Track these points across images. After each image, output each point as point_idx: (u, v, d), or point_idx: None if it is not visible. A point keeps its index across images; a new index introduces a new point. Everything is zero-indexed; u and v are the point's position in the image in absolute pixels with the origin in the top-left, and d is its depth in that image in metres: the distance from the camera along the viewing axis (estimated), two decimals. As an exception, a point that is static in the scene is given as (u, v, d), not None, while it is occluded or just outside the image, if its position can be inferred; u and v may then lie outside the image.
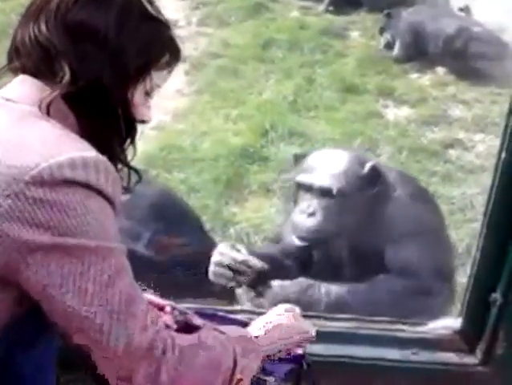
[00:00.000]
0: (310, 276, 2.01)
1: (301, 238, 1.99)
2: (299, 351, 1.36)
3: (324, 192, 1.97)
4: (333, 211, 1.97)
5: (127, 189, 1.12)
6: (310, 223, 1.96)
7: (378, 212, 1.99)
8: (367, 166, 1.98)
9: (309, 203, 1.98)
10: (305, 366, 1.36)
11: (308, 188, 2.00)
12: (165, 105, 4.26)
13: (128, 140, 1.12)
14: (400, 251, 1.96)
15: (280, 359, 1.33)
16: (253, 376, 1.14)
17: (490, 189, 1.41)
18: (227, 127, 3.75)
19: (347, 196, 1.97)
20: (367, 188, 1.99)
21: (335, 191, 1.96)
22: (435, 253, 2.00)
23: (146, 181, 2.45)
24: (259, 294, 1.98)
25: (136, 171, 1.15)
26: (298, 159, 2.11)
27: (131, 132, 1.11)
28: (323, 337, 1.48)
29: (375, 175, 1.99)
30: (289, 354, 1.27)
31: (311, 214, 1.97)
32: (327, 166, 2.01)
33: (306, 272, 2.04)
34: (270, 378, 1.31)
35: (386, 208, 1.99)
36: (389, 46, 4.85)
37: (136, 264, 2.00)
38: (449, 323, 1.52)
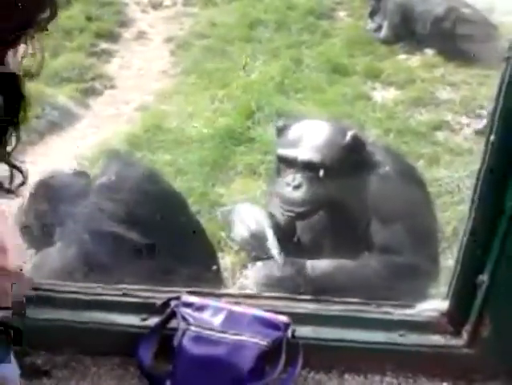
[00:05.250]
0: (293, 249, 2.03)
1: (288, 210, 1.99)
2: (284, 320, 1.37)
3: (308, 165, 1.99)
4: (318, 183, 1.99)
5: (9, 191, 0.96)
6: (296, 195, 1.98)
7: (363, 184, 2.00)
8: (349, 135, 1.99)
9: (294, 176, 2.00)
10: (289, 335, 1.37)
11: (292, 162, 2.01)
12: (150, 86, 4.21)
13: (10, 128, 0.90)
14: (387, 228, 1.97)
15: (265, 325, 1.35)
16: None
17: (478, 172, 1.40)
18: (213, 109, 3.72)
19: (331, 167, 1.99)
20: (350, 157, 2.00)
21: (318, 163, 1.96)
22: (421, 232, 2.02)
23: (131, 163, 2.45)
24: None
25: (19, 169, 0.96)
26: (281, 131, 2.11)
27: (13, 116, 0.90)
28: (311, 320, 1.49)
29: (357, 143, 2.00)
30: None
31: (297, 187, 1.99)
32: (309, 138, 2.02)
33: (288, 245, 2.06)
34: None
35: (371, 181, 2.01)
36: (379, 29, 4.81)
37: (122, 248, 2.01)
38: (435, 305, 1.52)
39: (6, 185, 0.95)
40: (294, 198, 1.99)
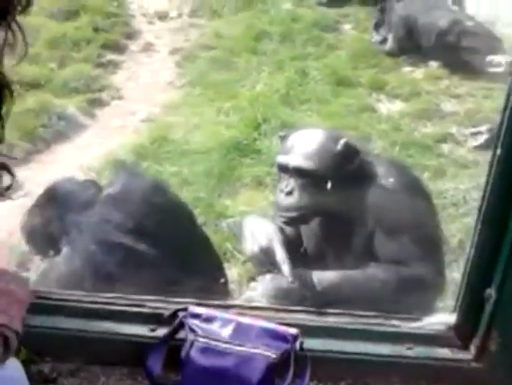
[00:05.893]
0: (300, 260, 2.04)
1: (280, 216, 2.03)
2: (293, 332, 1.38)
3: (299, 171, 2.02)
4: (310, 189, 2.01)
5: None
6: (288, 201, 2.01)
7: (364, 194, 2.01)
8: (341, 143, 2.01)
9: (287, 182, 2.02)
10: (298, 347, 1.38)
11: (285, 168, 2.05)
12: (157, 97, 4.24)
13: None
14: (392, 240, 1.98)
15: (274, 337, 1.36)
16: None
17: (485, 185, 1.41)
18: (219, 120, 3.73)
19: (323, 173, 2.01)
20: (343, 165, 2.01)
21: (308, 169, 1.99)
22: (427, 244, 2.02)
23: (138, 174, 2.46)
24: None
25: (7, 169, 0.90)
26: (283, 140, 2.17)
27: None
28: (318, 332, 1.49)
29: (350, 151, 2.02)
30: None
31: (289, 193, 2.02)
32: (303, 145, 2.05)
33: (295, 256, 2.07)
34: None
35: (375, 192, 2.02)
36: (384, 42, 4.84)
37: (128, 258, 2.01)
38: (443, 319, 1.52)
39: None
40: (287, 204, 2.02)
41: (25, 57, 0.91)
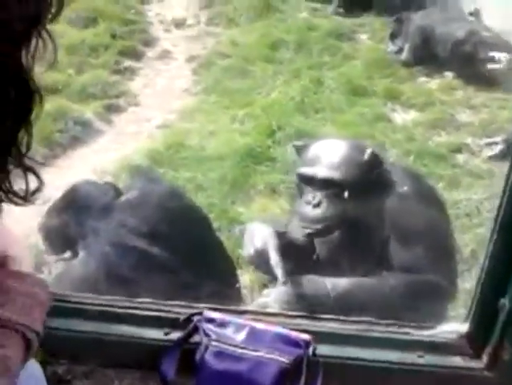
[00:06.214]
0: (313, 268, 2.05)
1: (307, 228, 2.03)
2: (306, 338, 1.39)
3: (327, 183, 2.01)
4: (338, 200, 2.01)
5: (24, 199, 0.88)
6: (316, 213, 2.00)
7: (382, 203, 2.02)
8: (367, 152, 2.02)
9: (313, 194, 2.02)
10: (310, 353, 1.38)
11: (311, 180, 2.04)
12: (172, 104, 4.28)
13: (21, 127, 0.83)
14: (406, 248, 1.99)
15: (287, 343, 1.37)
16: None
17: (502, 195, 1.40)
18: (234, 127, 3.76)
19: (350, 184, 2.01)
20: (369, 174, 2.02)
21: (336, 180, 1.99)
22: (440, 252, 2.03)
23: (154, 179, 2.49)
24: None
25: (35, 172, 0.87)
26: (300, 150, 2.14)
27: (25, 113, 0.83)
28: (330, 338, 1.50)
29: (376, 161, 2.03)
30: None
31: (317, 205, 2.00)
32: (328, 156, 2.05)
33: (308, 263, 2.08)
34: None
35: (391, 200, 2.03)
36: (400, 52, 4.84)
37: (143, 263, 2.04)
38: (455, 327, 1.52)
39: (21, 193, 0.87)
40: (314, 216, 2.02)
41: (55, 64, 0.90)
